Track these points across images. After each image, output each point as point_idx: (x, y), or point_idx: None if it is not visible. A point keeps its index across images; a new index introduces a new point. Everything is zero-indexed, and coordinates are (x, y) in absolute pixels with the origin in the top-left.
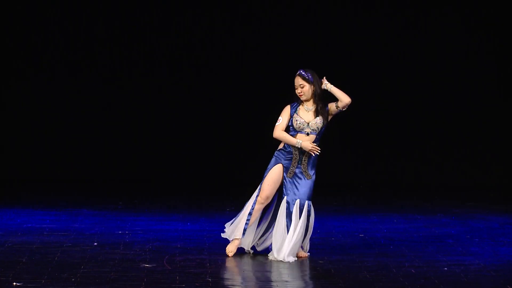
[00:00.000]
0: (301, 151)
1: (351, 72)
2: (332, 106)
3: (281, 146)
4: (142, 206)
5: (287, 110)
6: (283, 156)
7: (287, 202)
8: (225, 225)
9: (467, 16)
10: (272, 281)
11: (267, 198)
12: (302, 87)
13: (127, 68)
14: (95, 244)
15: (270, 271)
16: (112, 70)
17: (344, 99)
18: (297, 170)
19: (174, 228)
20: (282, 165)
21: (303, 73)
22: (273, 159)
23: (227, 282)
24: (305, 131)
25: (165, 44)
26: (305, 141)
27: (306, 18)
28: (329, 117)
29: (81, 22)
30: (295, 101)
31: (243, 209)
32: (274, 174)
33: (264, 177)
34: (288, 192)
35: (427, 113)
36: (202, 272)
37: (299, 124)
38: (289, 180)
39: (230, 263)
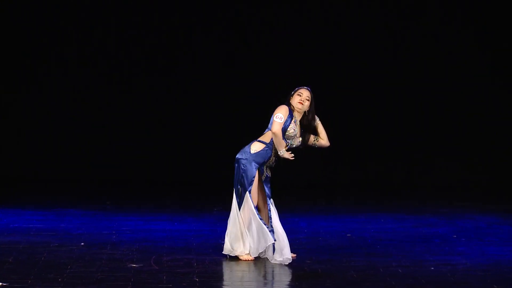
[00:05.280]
0: (276, 153)
1: (343, 73)
2: (311, 136)
3: (258, 149)
4: (130, 206)
5: (286, 112)
6: (261, 160)
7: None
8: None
9: (464, 18)
10: (258, 281)
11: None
12: (308, 100)
13: (123, 69)
14: (82, 244)
15: (256, 271)
16: (108, 72)
17: (325, 144)
18: (268, 172)
19: (162, 228)
20: (259, 169)
21: (310, 90)
22: (251, 167)
23: (214, 282)
24: (290, 142)
25: (162, 44)
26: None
27: (298, 20)
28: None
29: (79, 23)
30: (286, 105)
31: (240, 223)
32: (257, 182)
33: (248, 186)
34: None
35: (416, 113)
36: (190, 272)
37: (291, 134)
38: (264, 182)
39: (217, 263)
